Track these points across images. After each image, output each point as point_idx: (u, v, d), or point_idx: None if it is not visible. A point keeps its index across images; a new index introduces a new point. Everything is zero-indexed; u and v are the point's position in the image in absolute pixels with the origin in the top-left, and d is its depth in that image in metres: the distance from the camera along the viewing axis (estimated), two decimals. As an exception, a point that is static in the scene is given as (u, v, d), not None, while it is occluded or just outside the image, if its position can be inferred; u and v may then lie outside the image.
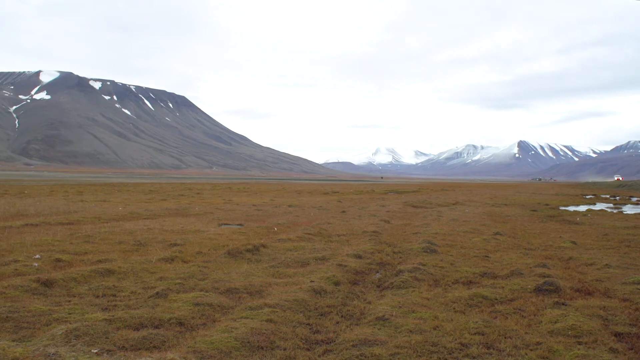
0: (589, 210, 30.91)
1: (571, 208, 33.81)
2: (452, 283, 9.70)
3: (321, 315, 7.61)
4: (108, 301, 7.93)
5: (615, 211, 31.32)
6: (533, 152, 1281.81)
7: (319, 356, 6.00)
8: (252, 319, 7.00)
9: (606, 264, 11.37)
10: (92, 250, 12.49)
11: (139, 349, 5.89)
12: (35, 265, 10.17)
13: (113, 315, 6.93)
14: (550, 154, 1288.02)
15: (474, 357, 5.89)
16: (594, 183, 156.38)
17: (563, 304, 8.01)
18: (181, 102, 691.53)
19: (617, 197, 53.05)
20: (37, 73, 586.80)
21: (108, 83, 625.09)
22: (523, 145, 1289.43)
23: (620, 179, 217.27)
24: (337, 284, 9.38)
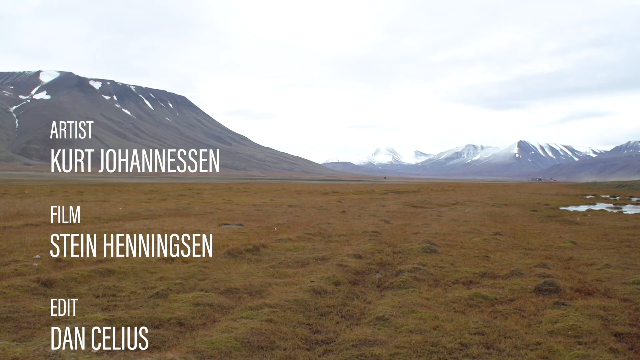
0: (589, 210, 30.91)
1: (571, 208, 33.80)
2: (452, 283, 9.70)
3: (321, 315, 7.61)
4: (108, 301, 7.94)
5: (615, 211, 31.30)
6: (533, 152, 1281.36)
7: (319, 356, 6.00)
8: (252, 319, 7.00)
9: (606, 264, 11.36)
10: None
11: (139, 349, 5.90)
12: (35, 265, 10.17)
13: (113, 315, 6.94)
14: (550, 154, 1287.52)
15: (474, 357, 5.89)
16: (594, 183, 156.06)
17: (563, 304, 8.01)
18: (181, 102, 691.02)
19: (617, 197, 53.03)
20: (37, 73, 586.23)
21: (108, 83, 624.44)
22: (523, 146, 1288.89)
23: None
24: (337, 284, 9.38)
